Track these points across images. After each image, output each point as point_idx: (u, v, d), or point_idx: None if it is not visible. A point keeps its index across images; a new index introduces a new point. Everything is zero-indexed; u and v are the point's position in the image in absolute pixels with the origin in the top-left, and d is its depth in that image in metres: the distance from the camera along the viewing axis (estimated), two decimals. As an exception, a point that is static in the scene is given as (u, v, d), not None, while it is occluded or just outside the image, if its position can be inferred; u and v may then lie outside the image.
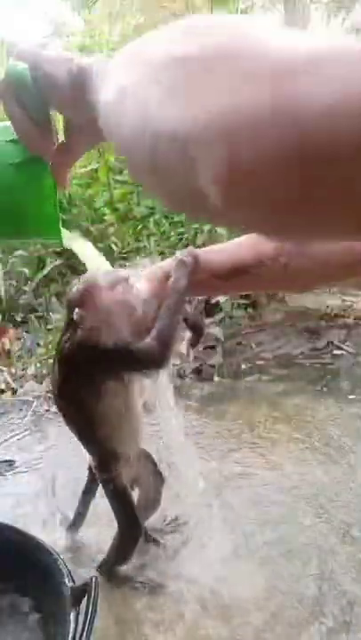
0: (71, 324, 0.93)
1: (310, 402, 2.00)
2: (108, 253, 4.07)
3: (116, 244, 3.96)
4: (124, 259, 3.83)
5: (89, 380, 0.95)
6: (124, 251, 3.73)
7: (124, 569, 1.16)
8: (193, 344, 1.01)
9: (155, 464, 1.18)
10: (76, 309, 0.91)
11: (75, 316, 0.90)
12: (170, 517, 1.32)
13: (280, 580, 1.17)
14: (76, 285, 0.94)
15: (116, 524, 1.12)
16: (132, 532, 1.12)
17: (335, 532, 1.32)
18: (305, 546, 1.28)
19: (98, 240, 4.15)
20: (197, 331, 1.00)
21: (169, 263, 0.91)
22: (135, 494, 1.17)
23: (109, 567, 1.15)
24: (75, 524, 1.29)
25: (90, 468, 1.18)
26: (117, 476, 1.07)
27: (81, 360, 0.94)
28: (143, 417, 1.09)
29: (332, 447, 1.71)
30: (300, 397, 2.03)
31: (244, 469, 1.59)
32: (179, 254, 0.89)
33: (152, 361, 0.90)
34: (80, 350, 0.92)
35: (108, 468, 1.07)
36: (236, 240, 0.88)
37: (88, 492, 1.24)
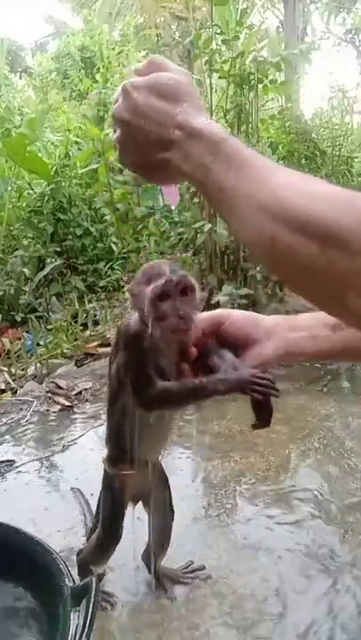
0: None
1: (310, 402, 2.00)
2: (108, 253, 4.08)
3: (116, 244, 3.96)
4: (125, 258, 3.83)
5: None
6: (123, 250, 3.73)
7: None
8: (255, 426, 0.90)
9: (170, 496, 1.11)
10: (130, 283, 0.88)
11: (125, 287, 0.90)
12: (194, 565, 1.21)
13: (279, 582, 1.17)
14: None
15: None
16: (108, 541, 1.06)
17: (335, 531, 1.32)
18: (304, 543, 1.28)
19: (98, 240, 4.16)
20: (264, 418, 0.90)
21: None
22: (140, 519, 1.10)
23: (84, 562, 1.11)
24: (93, 531, 1.18)
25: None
26: (122, 479, 1.01)
27: (125, 336, 0.91)
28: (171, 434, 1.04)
29: (332, 447, 1.71)
30: (300, 397, 2.03)
31: (244, 469, 1.59)
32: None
33: (140, 395, 0.88)
34: (126, 327, 0.91)
35: (118, 463, 1.01)
36: None
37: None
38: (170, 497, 1.11)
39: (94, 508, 1.20)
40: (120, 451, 0.99)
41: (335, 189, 0.53)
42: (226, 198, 0.58)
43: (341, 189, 0.53)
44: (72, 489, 1.48)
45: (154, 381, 0.86)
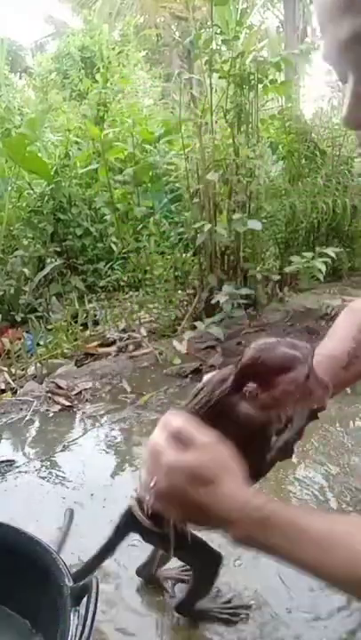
0: (237, 391, 0.79)
1: (310, 402, 2.00)
2: (108, 253, 4.08)
3: (116, 244, 3.96)
4: (125, 258, 3.83)
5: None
6: (123, 250, 3.73)
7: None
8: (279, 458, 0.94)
9: None
10: (250, 384, 0.77)
11: (246, 389, 0.77)
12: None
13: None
14: (259, 345, 0.80)
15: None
16: (210, 566, 0.97)
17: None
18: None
19: (98, 240, 4.16)
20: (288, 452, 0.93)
21: None
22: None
23: (189, 607, 1.04)
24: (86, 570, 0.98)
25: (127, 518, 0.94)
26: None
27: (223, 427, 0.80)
28: None
29: (332, 447, 1.71)
30: (300, 397, 2.03)
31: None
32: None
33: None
34: (229, 421, 0.80)
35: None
36: (337, 332, 1.00)
37: (109, 549, 0.97)
38: None
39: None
40: None
41: None
42: (296, 562, 0.68)
43: None
44: (68, 510, 1.37)
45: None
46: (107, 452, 1.79)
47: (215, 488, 0.69)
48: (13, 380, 2.45)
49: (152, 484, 0.74)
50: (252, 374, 0.77)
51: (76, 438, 1.86)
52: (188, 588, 1.04)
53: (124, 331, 2.93)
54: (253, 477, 0.85)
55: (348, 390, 2.02)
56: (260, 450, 0.84)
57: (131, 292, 3.56)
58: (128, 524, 0.93)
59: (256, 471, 0.86)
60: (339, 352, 0.95)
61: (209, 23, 2.99)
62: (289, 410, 0.82)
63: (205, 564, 0.98)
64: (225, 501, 0.69)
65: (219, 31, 2.93)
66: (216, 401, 0.81)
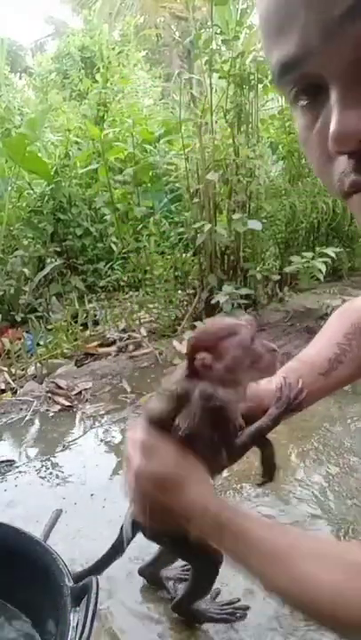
0: (191, 371, 0.80)
1: (310, 402, 2.00)
2: (108, 253, 4.08)
3: (116, 244, 3.96)
4: (125, 258, 3.83)
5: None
6: (123, 250, 3.73)
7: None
8: (262, 482, 1.01)
9: None
10: (199, 354, 0.78)
11: (199, 360, 0.78)
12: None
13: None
14: (203, 326, 0.84)
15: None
16: (209, 566, 0.96)
17: (336, 531, 1.32)
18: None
19: (98, 240, 4.15)
20: (271, 472, 1.04)
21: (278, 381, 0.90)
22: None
23: (187, 606, 1.05)
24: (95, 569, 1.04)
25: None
26: None
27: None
28: None
29: (332, 447, 1.71)
30: (300, 397, 2.03)
31: (244, 469, 1.58)
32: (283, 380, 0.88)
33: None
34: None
35: None
36: (322, 337, 1.01)
37: (118, 550, 1.02)
38: None
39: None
40: None
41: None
42: (245, 568, 0.71)
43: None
44: (56, 510, 1.38)
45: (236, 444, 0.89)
46: (107, 452, 1.79)
47: (177, 493, 0.76)
48: (13, 380, 2.45)
49: (126, 490, 0.81)
50: (201, 347, 0.80)
51: (76, 438, 1.87)
52: (187, 587, 1.04)
53: (124, 331, 2.93)
54: (226, 462, 0.88)
55: (349, 390, 2.03)
56: (227, 433, 0.84)
57: (131, 292, 3.56)
58: (133, 525, 0.98)
59: (228, 455, 0.87)
60: (320, 358, 0.94)
61: (209, 23, 2.99)
62: (245, 381, 0.83)
63: (205, 564, 0.98)
64: (186, 506, 0.75)
65: (219, 31, 2.93)
66: (179, 392, 0.82)
